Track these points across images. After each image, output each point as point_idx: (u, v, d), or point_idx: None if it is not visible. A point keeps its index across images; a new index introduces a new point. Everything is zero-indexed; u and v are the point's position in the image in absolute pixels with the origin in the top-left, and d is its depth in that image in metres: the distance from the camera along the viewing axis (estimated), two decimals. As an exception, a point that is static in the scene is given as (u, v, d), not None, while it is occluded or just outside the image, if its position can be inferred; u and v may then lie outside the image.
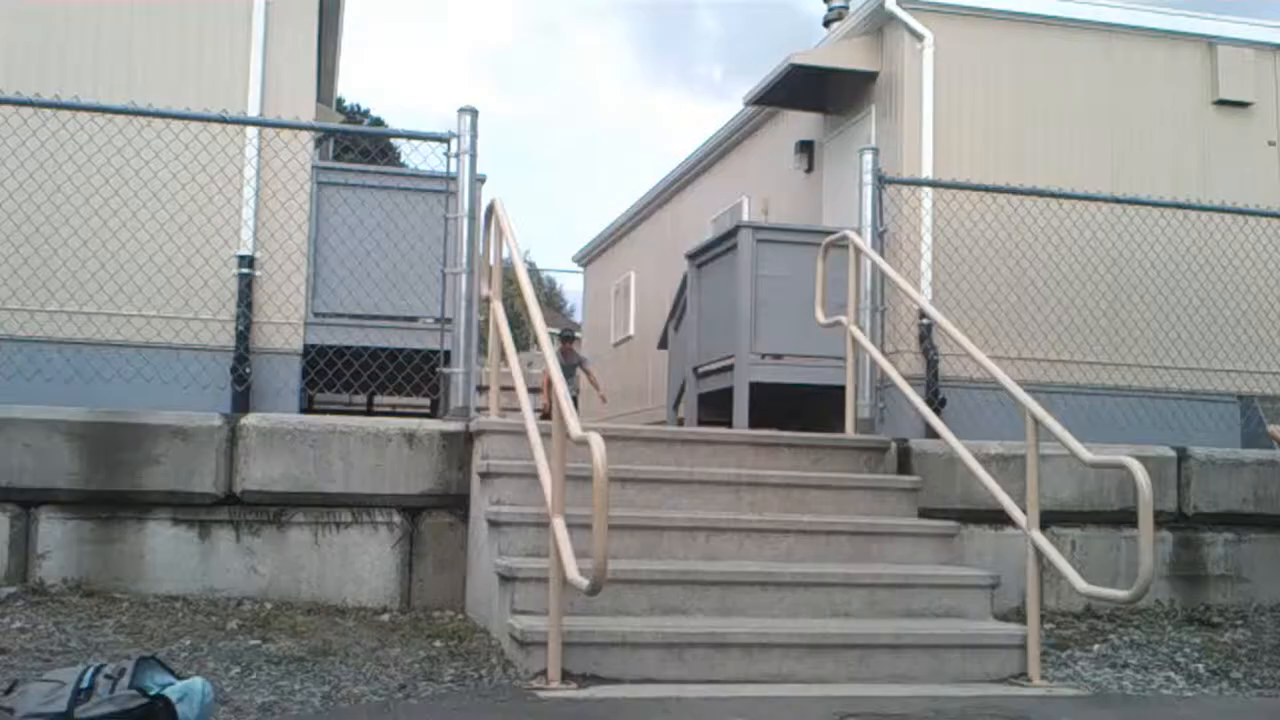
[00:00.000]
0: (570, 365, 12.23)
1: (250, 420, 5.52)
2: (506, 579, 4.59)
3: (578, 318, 30.14)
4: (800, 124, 11.56)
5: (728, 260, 9.15)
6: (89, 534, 5.25)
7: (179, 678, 3.54)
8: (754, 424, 8.29)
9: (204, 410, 5.66)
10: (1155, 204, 7.96)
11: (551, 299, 50.71)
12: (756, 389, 8.56)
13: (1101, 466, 4.72)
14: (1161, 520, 6.19)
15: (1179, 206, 8.03)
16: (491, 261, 5.94)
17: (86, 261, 7.02)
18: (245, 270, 7.56)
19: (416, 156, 6.82)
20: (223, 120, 6.72)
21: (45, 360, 6.66)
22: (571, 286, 50.52)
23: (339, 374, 6.86)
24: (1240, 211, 8.22)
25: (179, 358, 6.80)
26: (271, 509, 5.38)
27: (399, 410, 10.07)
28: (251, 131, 7.76)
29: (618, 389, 15.98)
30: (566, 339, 12.99)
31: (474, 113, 6.16)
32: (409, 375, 6.59)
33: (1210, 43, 10.18)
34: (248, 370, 7.22)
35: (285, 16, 8.27)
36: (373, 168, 8.34)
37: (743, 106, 12.39)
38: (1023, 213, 8.23)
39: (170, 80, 7.78)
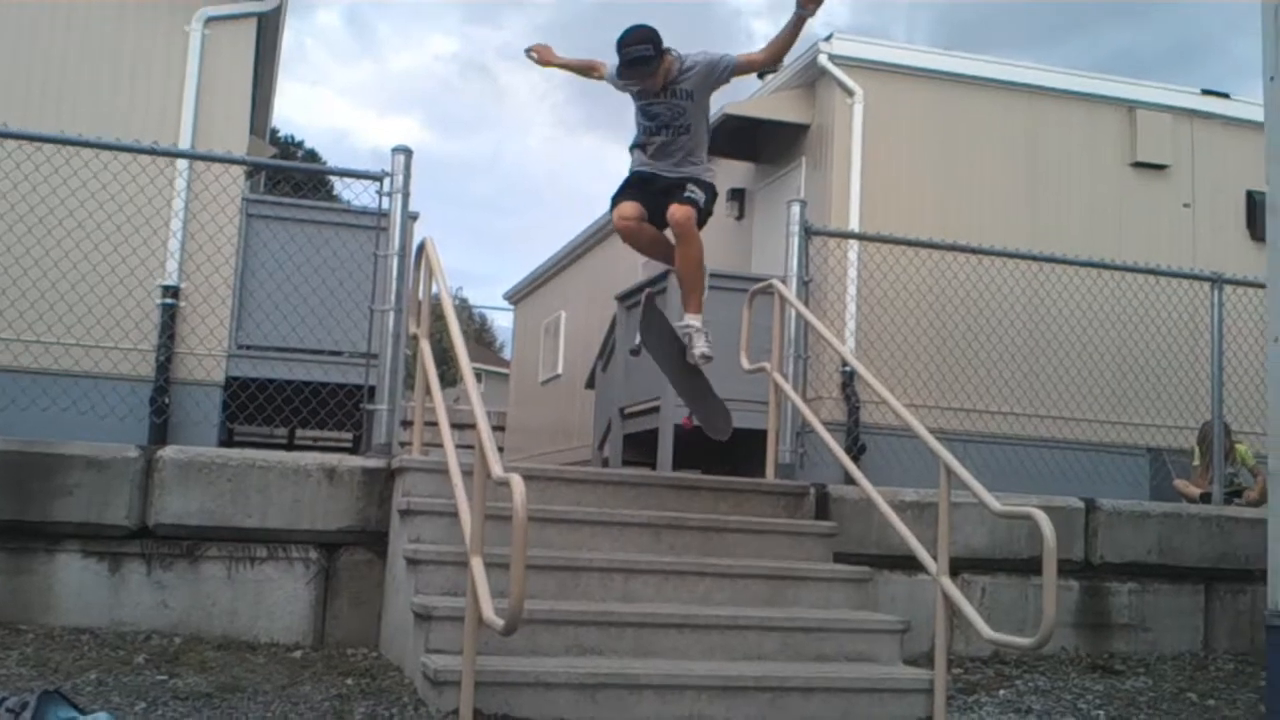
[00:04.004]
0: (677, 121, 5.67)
1: (167, 452, 5.46)
2: (422, 617, 4.59)
3: (507, 355, 30.05)
4: (732, 172, 11.76)
5: (657, 303, 9.24)
6: (-4, 564, 5.14)
7: (83, 712, 3.51)
8: (678, 465, 8.37)
9: (120, 441, 5.59)
10: (1071, 262, 8.19)
11: (482, 335, 50.60)
12: (682, 431, 8.64)
13: (1009, 517, 4.85)
14: (1069, 569, 6.34)
15: (1095, 265, 8.28)
16: (421, 299, 5.97)
17: (7, 289, 6.92)
18: (169, 300, 7.50)
19: (349, 192, 6.85)
20: (153, 152, 6.69)
21: (-42, 387, 6.55)
22: (503, 323, 50.38)
23: (260, 407, 6.82)
24: (1154, 271, 8.50)
25: (97, 387, 6.70)
26: (185, 543, 5.32)
27: (321, 444, 9.99)
28: (182, 163, 7.72)
29: (544, 428, 16.01)
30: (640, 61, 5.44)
31: (408, 152, 6.20)
32: (332, 410, 6.56)
33: (1130, 107, 10.58)
34: (167, 401, 7.15)
35: (221, 49, 8.29)
36: (304, 202, 8.34)
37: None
38: (944, 266, 8.44)
39: (102, 110, 7.74)
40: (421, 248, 5.94)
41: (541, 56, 6.16)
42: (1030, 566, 6.25)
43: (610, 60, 5.78)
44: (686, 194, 5.75)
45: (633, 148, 5.99)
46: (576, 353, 15.54)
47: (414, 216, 6.37)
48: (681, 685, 4.47)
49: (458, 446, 4.91)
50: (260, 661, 4.90)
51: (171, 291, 7.56)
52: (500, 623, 3.89)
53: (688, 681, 4.49)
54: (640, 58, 5.51)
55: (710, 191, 5.88)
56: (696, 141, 5.84)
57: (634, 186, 5.92)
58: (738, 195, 11.63)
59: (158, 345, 7.38)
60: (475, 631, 4.13)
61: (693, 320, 6.03)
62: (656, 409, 8.90)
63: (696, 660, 4.71)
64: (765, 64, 5.83)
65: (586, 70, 6.10)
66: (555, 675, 4.37)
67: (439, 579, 4.82)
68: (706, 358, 6.01)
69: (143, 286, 7.35)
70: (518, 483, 3.90)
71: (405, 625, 4.85)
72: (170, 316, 7.50)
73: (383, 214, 6.13)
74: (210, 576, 5.33)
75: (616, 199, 5.90)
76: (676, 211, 5.68)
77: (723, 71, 5.69)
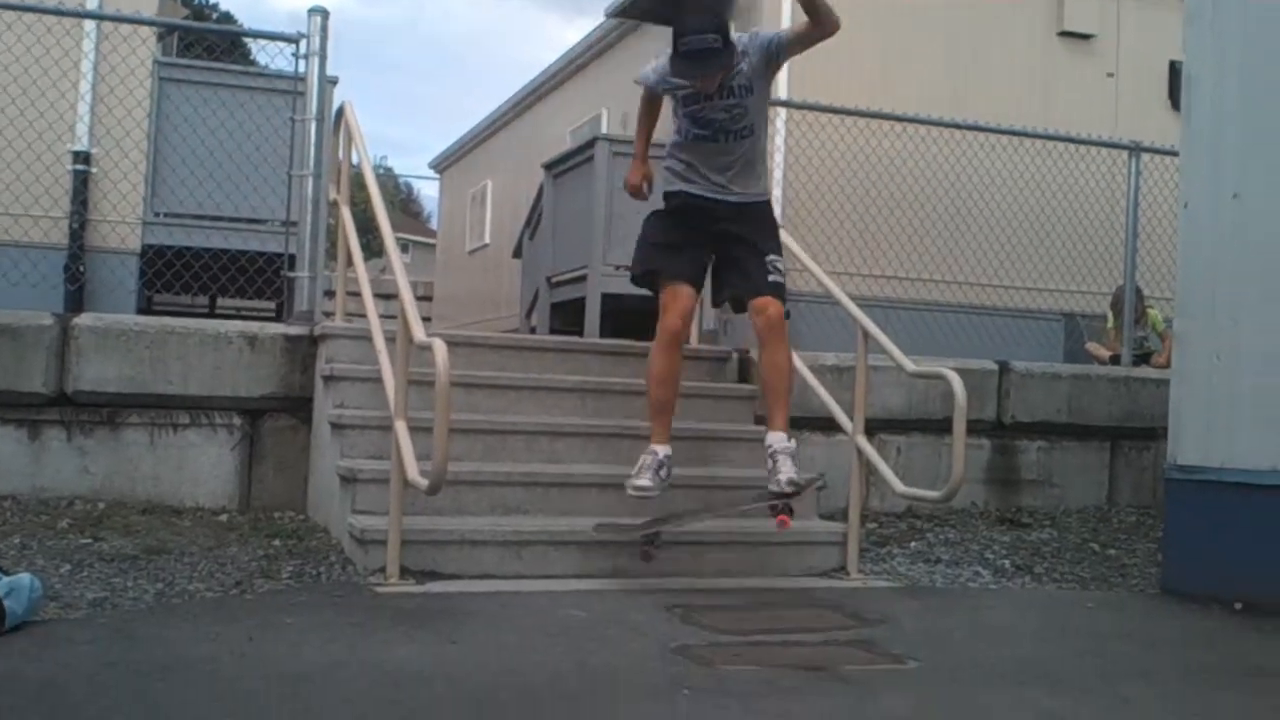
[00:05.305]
0: None
1: (83, 320, 5.39)
2: (348, 480, 4.64)
3: (434, 225, 29.69)
4: (662, 38, 11.53)
5: (584, 172, 9.17)
6: (-89, 434, 5.08)
7: (6, 573, 3.52)
8: (605, 334, 8.41)
9: (35, 309, 5.49)
10: (994, 130, 8.25)
11: (408, 205, 49.87)
12: (609, 299, 8.66)
13: (923, 377, 4.99)
14: (981, 429, 6.55)
15: (1016, 134, 8.33)
16: (340, 165, 5.88)
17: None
18: (80, 167, 7.28)
19: (264, 55, 6.66)
20: (59, 13, 6.43)
21: None
22: (429, 192, 49.65)
23: (178, 274, 6.72)
24: (1073, 140, 8.60)
25: (6, 254, 6.54)
26: (105, 410, 5.29)
27: (244, 314, 9.87)
28: (89, 24, 7.41)
29: (472, 297, 15.92)
30: None
31: (324, 13, 6.00)
32: (252, 278, 6.48)
33: (1058, -26, 10.50)
34: (82, 269, 7.00)
35: (125, -99, 7.86)
36: (218, 65, 8.05)
37: (604, 19, 12.31)
38: (869, 134, 8.45)
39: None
40: (340, 113, 5.83)
41: (641, 177, 5.23)
42: (944, 427, 6.36)
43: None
44: (772, 277, 4.66)
45: (671, 155, 4.92)
46: (503, 222, 15.39)
47: (333, 81, 6.21)
48: (605, 541, 4.60)
49: (383, 317, 4.91)
50: (186, 525, 4.94)
51: (82, 157, 7.32)
52: (424, 483, 3.97)
53: (611, 538, 4.61)
54: (706, 50, 4.38)
55: (779, 243, 4.94)
56: (758, 147, 4.82)
57: (679, 245, 4.74)
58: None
59: (70, 212, 7.18)
60: (401, 492, 4.20)
61: (780, 440, 4.57)
62: (583, 278, 8.89)
63: (620, 518, 4.82)
64: (817, 35, 4.69)
65: (653, 118, 5.21)
66: (480, 533, 4.48)
67: (364, 443, 4.87)
68: (795, 484, 4.48)
69: (51, 151, 7.09)
70: (440, 346, 3.94)
71: (331, 488, 4.90)
72: (82, 182, 7.28)
73: (299, 78, 5.98)
74: (132, 443, 5.32)
75: (655, 262, 4.76)
76: (769, 307, 4.63)
77: (776, 53, 4.70)
